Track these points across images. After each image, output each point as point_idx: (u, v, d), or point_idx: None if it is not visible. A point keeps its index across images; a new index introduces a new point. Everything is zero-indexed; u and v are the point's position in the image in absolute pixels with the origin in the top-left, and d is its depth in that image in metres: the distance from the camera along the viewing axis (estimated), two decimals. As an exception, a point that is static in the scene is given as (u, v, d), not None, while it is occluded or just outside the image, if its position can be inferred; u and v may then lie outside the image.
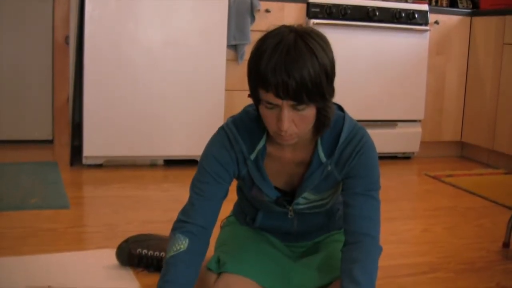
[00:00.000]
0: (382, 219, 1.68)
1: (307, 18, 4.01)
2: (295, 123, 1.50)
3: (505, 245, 2.57)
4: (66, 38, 3.88)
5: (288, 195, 1.76)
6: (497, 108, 4.21)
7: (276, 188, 1.74)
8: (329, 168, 1.67)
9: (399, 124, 4.36)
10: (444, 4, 4.81)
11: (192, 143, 3.77)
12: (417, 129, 4.42)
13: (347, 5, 4.07)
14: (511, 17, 4.06)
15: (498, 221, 2.97)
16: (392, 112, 4.31)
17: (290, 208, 1.77)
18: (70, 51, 3.86)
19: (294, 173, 1.73)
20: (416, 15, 4.24)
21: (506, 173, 4.11)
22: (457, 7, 4.76)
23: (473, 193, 3.53)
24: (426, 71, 4.35)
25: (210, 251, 1.77)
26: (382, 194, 1.69)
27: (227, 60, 3.85)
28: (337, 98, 1.66)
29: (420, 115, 4.40)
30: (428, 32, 4.30)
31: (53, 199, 3.00)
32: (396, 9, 4.20)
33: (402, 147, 4.43)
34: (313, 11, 4.02)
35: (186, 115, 3.80)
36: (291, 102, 1.46)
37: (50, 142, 4.22)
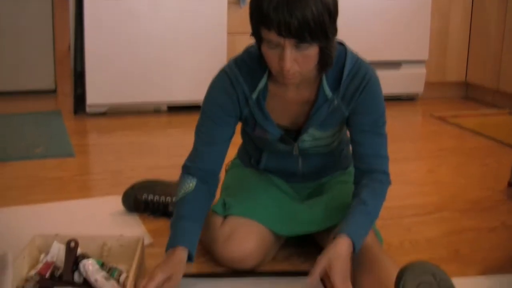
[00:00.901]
0: (387, 160, 1.69)
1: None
2: (297, 62, 1.50)
3: (510, 184, 2.57)
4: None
5: (293, 133, 1.77)
6: (503, 47, 4.15)
7: (281, 127, 1.74)
8: (336, 102, 1.68)
9: (403, 65, 4.32)
10: None
11: (195, 88, 3.74)
12: (421, 70, 4.38)
13: None
14: (517, -47, 3.98)
15: (503, 161, 2.97)
16: (396, 52, 4.26)
17: (295, 145, 1.77)
18: (70, -1, 3.81)
19: (299, 112, 1.73)
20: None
21: (511, 113, 4.08)
22: None
23: (478, 133, 3.52)
24: (430, 10, 4.28)
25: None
26: (386, 135, 1.69)
27: (229, 3, 3.80)
28: (341, 39, 1.64)
29: (424, 56, 4.35)
30: (432, -30, 4.23)
31: (58, 148, 3.01)
32: None
33: (407, 88, 4.40)
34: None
35: (188, 60, 3.77)
36: (293, 41, 1.45)
37: (53, 91, 4.21)
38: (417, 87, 4.42)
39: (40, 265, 1.63)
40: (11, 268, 1.45)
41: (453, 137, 3.49)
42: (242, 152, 2.01)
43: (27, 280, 1.56)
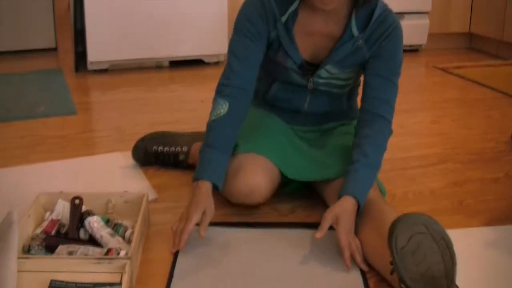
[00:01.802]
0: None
1: None
2: None
3: (514, 135, 2.57)
4: None
5: (312, 68, 1.80)
6: (507, -3, 4.11)
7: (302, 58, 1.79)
8: (360, 42, 1.73)
9: (406, 16, 4.27)
10: None
11: (197, 43, 3.72)
12: (424, 21, 4.33)
13: None
14: None
15: (507, 112, 2.96)
16: (399, 4, 4.20)
17: (311, 79, 1.81)
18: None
19: (322, 45, 1.77)
20: None
21: (515, 63, 4.06)
22: None
23: (482, 85, 3.50)
24: (433, -41, 4.23)
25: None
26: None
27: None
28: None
29: (427, 7, 4.30)
30: None
31: (60, 106, 3.00)
32: None
33: (410, 39, 4.35)
34: None
35: (189, 15, 3.72)
36: None
37: (54, 50, 4.19)
38: (421, 38, 4.39)
39: (45, 223, 1.64)
40: (17, 227, 1.46)
41: (457, 88, 3.47)
42: None
43: (33, 238, 1.57)
